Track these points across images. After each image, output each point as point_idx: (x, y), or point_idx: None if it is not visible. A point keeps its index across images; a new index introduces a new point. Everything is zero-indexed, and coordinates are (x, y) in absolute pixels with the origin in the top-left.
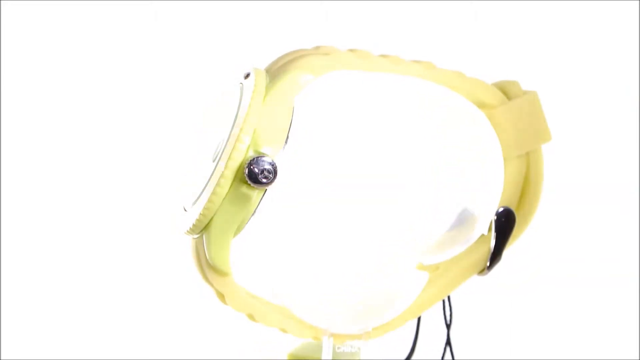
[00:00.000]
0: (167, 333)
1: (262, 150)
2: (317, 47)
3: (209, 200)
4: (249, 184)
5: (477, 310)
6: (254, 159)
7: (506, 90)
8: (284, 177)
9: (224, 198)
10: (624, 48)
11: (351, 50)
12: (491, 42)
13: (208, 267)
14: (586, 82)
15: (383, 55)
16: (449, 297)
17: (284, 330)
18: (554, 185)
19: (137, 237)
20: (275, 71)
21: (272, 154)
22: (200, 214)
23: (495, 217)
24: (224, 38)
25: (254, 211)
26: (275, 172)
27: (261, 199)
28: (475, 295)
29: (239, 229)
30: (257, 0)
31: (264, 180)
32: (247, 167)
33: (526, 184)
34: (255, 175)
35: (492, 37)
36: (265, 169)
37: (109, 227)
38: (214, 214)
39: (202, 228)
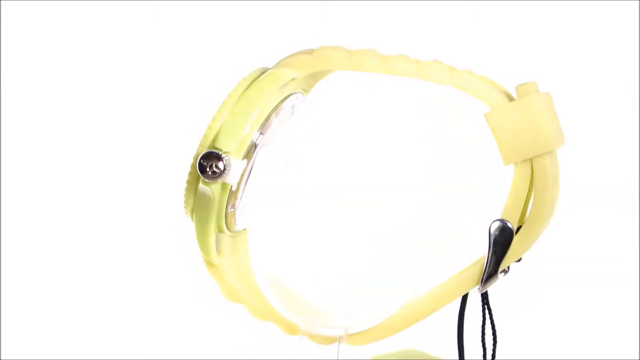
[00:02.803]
0: (167, 333)
1: (223, 145)
2: (320, 47)
3: (184, 195)
4: (203, 178)
5: (476, 309)
6: (205, 153)
7: (517, 92)
8: (279, 175)
9: (195, 191)
10: (624, 48)
11: (348, 50)
12: (490, 42)
13: (202, 257)
14: (585, 82)
15: (383, 56)
16: (494, 334)
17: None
18: None
19: (137, 236)
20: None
21: (234, 149)
22: (183, 206)
23: (490, 230)
24: (225, 38)
25: (227, 206)
26: (224, 166)
27: (230, 194)
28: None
29: (219, 223)
30: (258, 0)
31: (211, 174)
32: (198, 161)
33: (529, 197)
34: (203, 168)
35: (491, 37)
36: (212, 162)
37: (109, 226)
38: (192, 207)
39: (190, 220)
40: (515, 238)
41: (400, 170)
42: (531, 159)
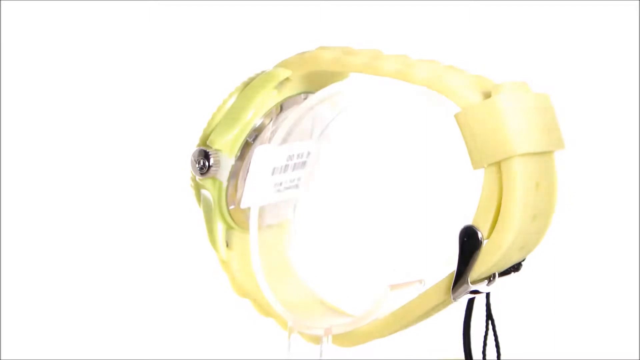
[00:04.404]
0: (167, 333)
1: (213, 142)
2: (317, 48)
3: (193, 193)
4: (194, 175)
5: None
6: (195, 150)
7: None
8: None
9: (198, 188)
10: (624, 48)
11: (341, 49)
12: (486, 42)
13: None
14: (585, 83)
15: (371, 56)
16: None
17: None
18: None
19: (138, 236)
20: None
21: (225, 147)
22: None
23: (459, 235)
24: (237, 40)
25: (227, 202)
26: (211, 163)
27: (227, 191)
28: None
29: (224, 219)
30: (259, 1)
31: (199, 170)
32: (190, 158)
33: (498, 204)
34: (192, 165)
35: (487, 37)
36: (201, 159)
37: (112, 225)
38: (199, 202)
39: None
40: (485, 246)
41: (403, 169)
42: (499, 163)
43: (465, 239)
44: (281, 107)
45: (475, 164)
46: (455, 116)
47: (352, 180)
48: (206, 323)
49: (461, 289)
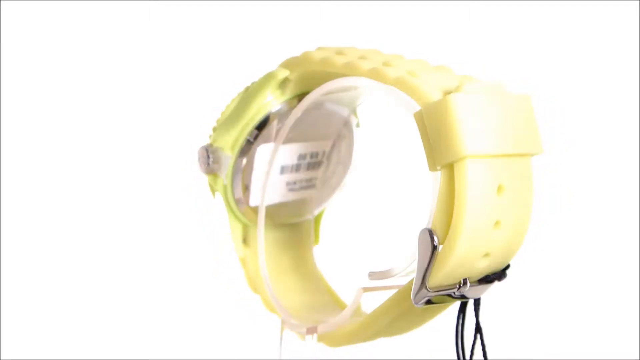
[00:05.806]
0: (168, 333)
1: (215, 140)
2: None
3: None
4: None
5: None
6: (199, 148)
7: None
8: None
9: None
10: (624, 48)
11: (335, 49)
12: (485, 42)
13: None
14: (584, 83)
15: (357, 55)
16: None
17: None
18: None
19: (138, 237)
20: None
21: (227, 145)
22: None
23: (418, 239)
24: (252, 43)
25: (234, 199)
26: (210, 160)
27: (232, 187)
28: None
29: (234, 215)
30: (260, 1)
31: (200, 166)
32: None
33: (452, 207)
34: (196, 162)
35: (486, 37)
36: (201, 156)
37: (121, 225)
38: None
39: None
40: (440, 251)
41: (406, 171)
42: (452, 164)
43: (421, 244)
44: (287, 107)
45: (430, 165)
46: (414, 115)
47: (366, 180)
48: (207, 322)
49: (420, 295)
